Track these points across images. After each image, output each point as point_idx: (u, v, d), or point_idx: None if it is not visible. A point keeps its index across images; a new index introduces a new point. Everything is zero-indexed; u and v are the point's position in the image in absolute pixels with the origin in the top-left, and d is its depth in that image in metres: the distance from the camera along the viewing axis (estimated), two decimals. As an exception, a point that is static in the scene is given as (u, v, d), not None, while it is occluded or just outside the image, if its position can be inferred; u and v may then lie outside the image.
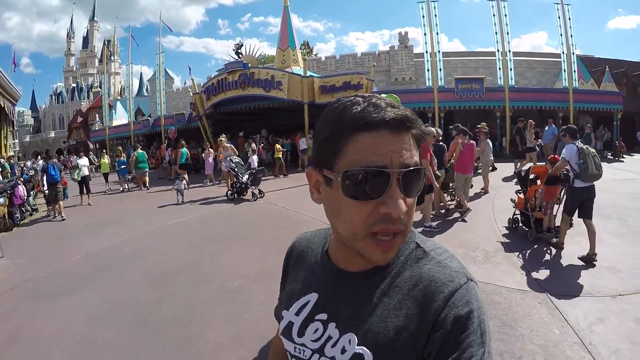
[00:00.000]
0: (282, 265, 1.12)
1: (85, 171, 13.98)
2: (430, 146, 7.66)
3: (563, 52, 23.03)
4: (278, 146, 16.92)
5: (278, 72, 19.48)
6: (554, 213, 6.77)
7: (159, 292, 5.53)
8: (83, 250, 7.73)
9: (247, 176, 11.82)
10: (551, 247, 6.28)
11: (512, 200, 7.46)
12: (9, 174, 15.16)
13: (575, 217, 6.04)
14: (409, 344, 0.77)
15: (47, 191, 12.21)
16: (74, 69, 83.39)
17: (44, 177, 12.43)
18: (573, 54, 22.82)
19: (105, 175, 16.84)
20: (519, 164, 13.03)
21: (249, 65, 19.95)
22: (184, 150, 16.97)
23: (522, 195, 7.18)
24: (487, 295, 4.73)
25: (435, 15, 21.83)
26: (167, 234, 8.57)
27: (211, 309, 4.89)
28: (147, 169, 16.24)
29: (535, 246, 6.43)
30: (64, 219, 10.88)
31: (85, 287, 5.89)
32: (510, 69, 21.43)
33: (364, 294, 0.86)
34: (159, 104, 29.32)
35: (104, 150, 17.43)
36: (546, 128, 16.23)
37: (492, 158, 10.91)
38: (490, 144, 11.08)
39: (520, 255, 6.08)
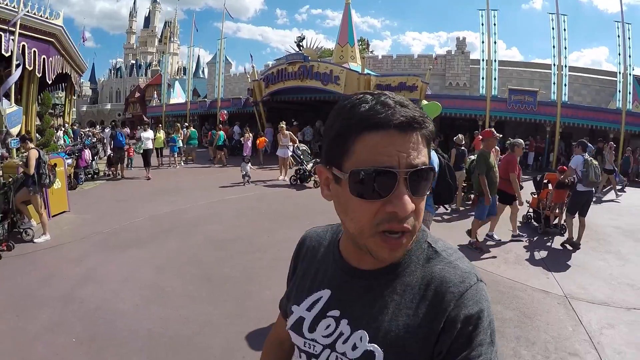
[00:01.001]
0: (292, 258, 1.15)
1: (149, 144, 14.75)
2: (453, 149, 8.97)
3: (619, 72, 23.06)
4: None
5: (336, 67, 20.10)
6: (561, 213, 8.17)
7: (220, 254, 6.11)
8: (146, 212, 8.54)
9: (311, 164, 12.24)
10: (572, 253, 7.07)
11: (526, 201, 8.61)
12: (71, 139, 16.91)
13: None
14: (420, 342, 0.79)
15: (112, 154, 13.93)
16: (134, 46, 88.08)
17: (112, 143, 14.14)
18: (630, 74, 22.84)
19: (159, 150, 17.15)
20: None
21: (309, 57, 20.74)
22: (222, 133, 18.19)
23: (536, 197, 8.65)
24: (513, 291, 5.33)
25: (495, 24, 22.23)
26: (226, 207, 9.28)
27: (268, 272, 5.44)
28: (196, 146, 17.91)
29: (562, 252, 7.16)
30: (123, 178, 12.72)
31: (151, 244, 6.53)
32: (565, 85, 21.64)
33: (375, 292, 0.87)
34: (217, 86, 30.89)
35: (159, 125, 18.50)
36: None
37: None
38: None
39: (547, 261, 6.67)
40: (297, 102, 23.22)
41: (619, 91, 22.64)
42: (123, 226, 7.60)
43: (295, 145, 13.16)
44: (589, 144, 7.90)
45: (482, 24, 22.41)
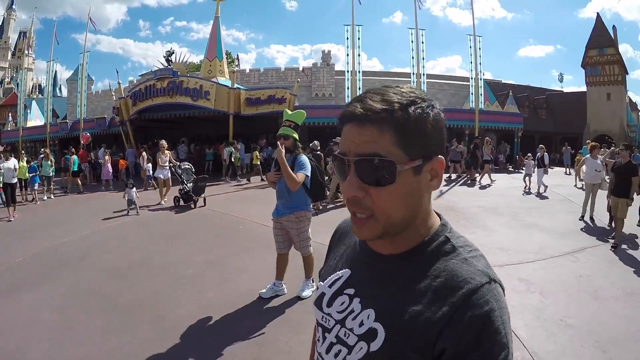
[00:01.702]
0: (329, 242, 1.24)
1: (10, 177, 11.95)
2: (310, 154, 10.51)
3: (472, 77, 26.36)
4: (256, 153, 18.22)
5: (206, 82, 20.15)
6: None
7: (120, 282, 5.92)
8: (27, 251, 7.67)
9: (191, 184, 11.80)
10: None
11: None
12: None
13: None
14: (421, 330, 0.81)
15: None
16: (-19, 61, 78.69)
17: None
18: (481, 79, 26.28)
19: (22, 181, 14.49)
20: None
21: (178, 73, 20.47)
22: (75, 157, 16.67)
23: None
24: None
25: (359, 39, 24.15)
26: (111, 235, 8.80)
27: (174, 292, 5.49)
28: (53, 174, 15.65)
29: None
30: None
31: (43, 284, 6.03)
32: (424, 91, 23.75)
33: (389, 276, 0.91)
34: (79, 106, 28.70)
35: (22, 152, 16.21)
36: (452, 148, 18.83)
37: None
38: None
39: None
40: (166, 120, 22.65)
41: (472, 93, 26.04)
42: (1, 270, 6.82)
43: (178, 164, 12.78)
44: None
45: (347, 38, 24.21)
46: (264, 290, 5.17)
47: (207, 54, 23.39)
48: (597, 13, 42.20)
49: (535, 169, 14.44)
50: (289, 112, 4.99)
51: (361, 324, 0.90)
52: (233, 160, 18.16)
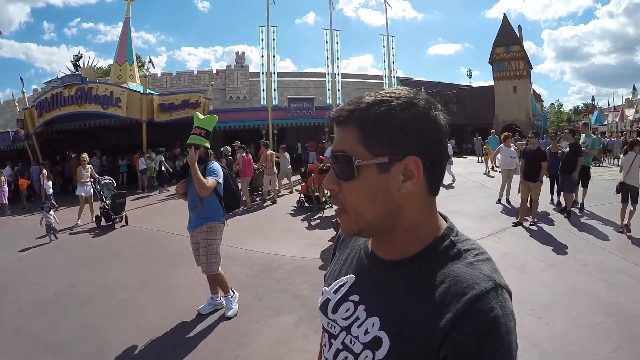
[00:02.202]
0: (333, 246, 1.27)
1: None
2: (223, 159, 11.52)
3: (385, 76, 27.72)
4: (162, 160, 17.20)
5: (117, 89, 19.20)
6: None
7: (48, 317, 5.37)
8: None
9: (109, 201, 10.50)
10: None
11: (295, 189, 11.83)
12: None
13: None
14: (425, 337, 0.81)
15: None
16: None
17: None
18: (394, 77, 27.78)
19: None
20: None
21: (87, 79, 19.27)
22: None
23: (304, 184, 11.50)
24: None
25: (274, 39, 24.42)
26: (27, 266, 7.95)
27: (109, 320, 5.02)
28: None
29: None
30: None
31: None
32: (338, 90, 25.29)
33: (394, 283, 0.92)
34: None
35: None
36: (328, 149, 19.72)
37: (289, 167, 14.23)
38: (287, 155, 14.30)
39: None
40: (75, 131, 21.53)
41: (385, 91, 26.74)
42: None
43: (98, 179, 11.38)
44: None
45: (262, 39, 24.39)
46: (202, 306, 4.98)
47: (116, 58, 22.53)
48: (504, 13, 45.99)
49: None
50: (200, 117, 4.73)
51: (366, 332, 0.90)
52: (164, 169, 17.06)
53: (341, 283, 1.04)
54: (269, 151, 12.78)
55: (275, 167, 12.84)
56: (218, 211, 4.71)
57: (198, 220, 4.64)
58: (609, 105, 58.79)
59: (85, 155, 11.75)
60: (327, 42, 25.50)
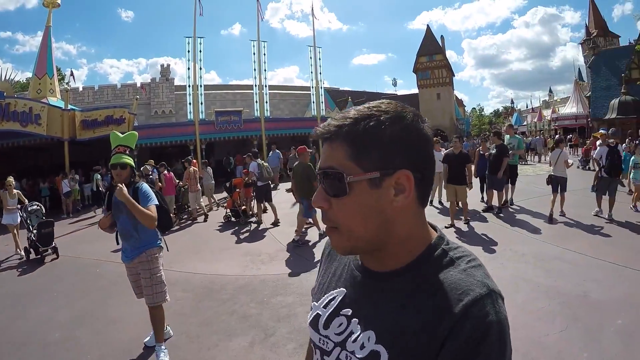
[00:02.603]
0: (321, 257, 1.25)
1: None
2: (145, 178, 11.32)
3: (312, 87, 28.70)
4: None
5: (37, 104, 18.10)
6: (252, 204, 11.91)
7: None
8: None
9: (35, 231, 9.31)
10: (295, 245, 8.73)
11: (221, 204, 12.75)
12: None
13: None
14: (423, 348, 0.81)
15: None
16: None
17: None
18: (321, 87, 28.69)
19: None
20: None
21: (5, 93, 17.89)
22: None
23: (230, 199, 11.97)
24: (282, 282, 6.44)
25: (200, 51, 24.10)
26: None
27: None
28: None
29: (311, 240, 9.03)
30: None
31: None
32: (266, 102, 25.75)
33: (386, 294, 0.92)
34: None
35: None
36: (270, 154, 20.46)
37: (212, 182, 14.49)
38: (210, 171, 14.61)
39: (298, 250, 8.33)
40: None
41: (313, 102, 28.16)
42: None
43: (25, 205, 10.21)
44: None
45: (189, 51, 23.86)
46: (148, 339, 4.62)
47: (36, 71, 20.96)
48: (427, 25, 48.21)
49: None
50: (120, 136, 4.37)
51: (362, 347, 0.89)
52: (100, 188, 16.01)
53: (331, 297, 1.04)
54: (192, 167, 13.00)
55: (198, 184, 12.97)
56: (154, 236, 4.37)
57: (134, 250, 4.25)
58: (527, 107, 63.10)
59: (10, 179, 10.41)
60: (254, 53, 25.63)
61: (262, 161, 11.66)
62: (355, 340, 0.91)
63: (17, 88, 27.18)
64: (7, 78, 20.27)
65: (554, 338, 4.17)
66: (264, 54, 26.00)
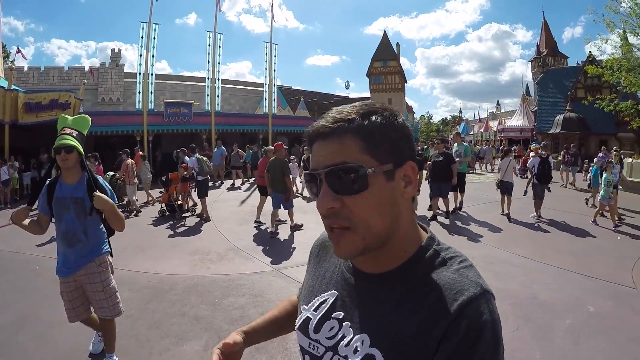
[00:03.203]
0: (308, 258, 1.24)
1: None
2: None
3: (266, 84, 28.93)
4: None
5: None
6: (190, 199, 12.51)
7: None
8: None
9: None
10: (271, 237, 9.14)
11: (158, 200, 12.79)
12: None
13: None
14: (420, 349, 0.81)
15: None
16: None
17: None
18: (274, 85, 28.93)
19: None
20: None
21: None
22: None
23: (166, 193, 11.95)
24: (233, 282, 6.28)
25: (154, 38, 23.31)
26: None
27: None
28: None
29: (261, 239, 9.04)
30: None
31: None
32: (218, 96, 25.65)
33: (379, 296, 0.91)
34: None
35: None
36: (215, 149, 19.99)
37: (149, 176, 14.62)
38: (148, 164, 14.97)
39: (247, 249, 8.25)
40: None
41: (265, 99, 28.34)
42: None
43: None
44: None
45: (142, 37, 22.96)
46: (92, 347, 4.22)
47: None
48: (384, 31, 48.93)
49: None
50: (68, 118, 3.72)
51: (356, 351, 0.88)
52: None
53: (322, 300, 1.03)
54: (129, 160, 12.92)
55: (135, 177, 12.93)
56: (103, 239, 3.72)
57: (81, 259, 3.54)
58: (474, 117, 65.31)
59: None
60: (209, 45, 25.22)
61: (201, 156, 11.89)
62: (348, 344, 0.91)
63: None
64: None
65: (507, 337, 4.56)
66: (219, 47, 25.62)
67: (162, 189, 12.70)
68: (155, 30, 23.32)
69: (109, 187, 3.70)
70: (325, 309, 1.00)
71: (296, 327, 1.06)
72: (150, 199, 14.18)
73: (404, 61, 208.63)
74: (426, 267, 0.91)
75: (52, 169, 3.81)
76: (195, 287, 6.13)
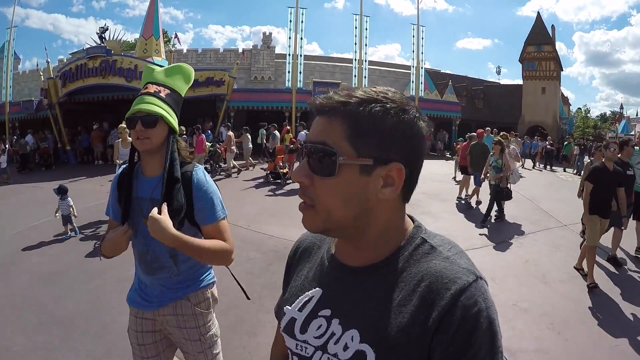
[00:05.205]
0: (286, 262, 1.16)
1: None
2: None
3: (413, 66, 27.58)
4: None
5: (142, 62, 18.61)
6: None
7: (56, 289, 5.33)
8: None
9: None
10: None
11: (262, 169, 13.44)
12: None
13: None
14: (413, 342, 0.79)
15: None
16: None
17: None
18: (422, 68, 27.48)
19: None
20: None
21: (112, 51, 19.23)
22: None
23: (272, 162, 13.36)
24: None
25: (302, 22, 24.18)
26: (42, 234, 7.71)
27: (115, 297, 4.73)
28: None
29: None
30: None
31: None
32: (365, 77, 25.07)
33: (367, 290, 0.87)
34: (4, 87, 26.14)
35: None
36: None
37: (250, 146, 16.24)
38: (249, 136, 16.31)
39: None
40: (97, 103, 21.32)
41: (413, 82, 27.08)
42: None
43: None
44: None
45: (291, 21, 24.06)
46: None
47: (143, 32, 21.87)
48: (538, 12, 44.86)
49: None
50: (156, 69, 2.22)
51: (346, 348, 0.85)
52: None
53: (306, 299, 0.97)
54: (230, 132, 15.18)
55: (234, 146, 14.92)
56: (205, 268, 2.32)
57: (167, 292, 2.19)
58: (637, 115, 57.82)
59: (123, 125, 8.26)
60: (356, 27, 25.14)
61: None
62: (337, 342, 0.87)
63: (125, 47, 27.85)
64: (115, 38, 21.33)
65: None
66: (366, 29, 25.39)
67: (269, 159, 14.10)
68: (302, 14, 24.24)
69: (214, 184, 2.18)
70: (311, 307, 0.94)
71: (281, 330, 1.01)
72: (249, 163, 16.05)
73: (560, 46, 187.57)
74: (414, 255, 0.87)
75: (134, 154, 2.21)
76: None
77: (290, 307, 1.00)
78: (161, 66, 2.39)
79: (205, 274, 2.31)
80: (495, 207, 8.92)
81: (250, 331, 4.23)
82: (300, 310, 0.96)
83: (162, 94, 2.09)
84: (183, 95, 2.22)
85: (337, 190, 0.83)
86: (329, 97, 0.85)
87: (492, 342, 0.77)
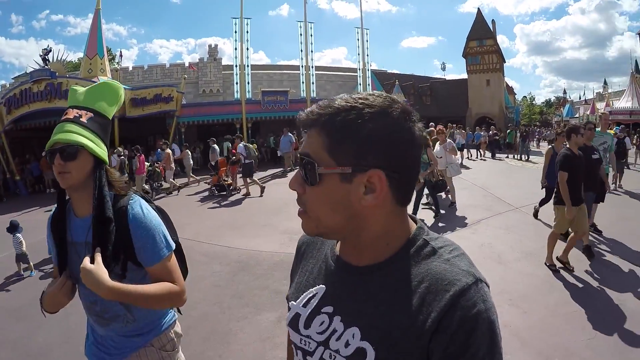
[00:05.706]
0: (294, 256, 1.21)
1: None
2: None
3: (359, 68, 28.26)
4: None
5: (88, 83, 17.06)
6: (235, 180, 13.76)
7: (25, 323, 4.93)
8: None
9: None
10: None
11: (206, 182, 14.29)
12: None
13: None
14: (412, 341, 0.80)
15: None
16: None
17: None
18: (368, 70, 28.34)
19: None
20: None
21: (57, 73, 18.38)
22: None
23: (215, 175, 13.55)
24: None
25: (247, 32, 24.34)
26: None
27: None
28: None
29: None
30: None
31: None
32: (313, 83, 25.50)
33: (369, 289, 0.89)
34: None
35: None
36: (282, 137, 19.11)
37: (191, 163, 16.40)
38: (190, 153, 16.60)
39: None
40: (45, 128, 19.28)
41: (360, 84, 27.87)
42: None
43: None
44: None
45: (236, 32, 24.23)
46: None
47: (86, 51, 21.14)
48: (478, 8, 46.35)
49: None
50: (79, 91, 1.88)
51: (347, 344, 0.87)
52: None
53: (310, 295, 1.00)
54: (168, 150, 15.60)
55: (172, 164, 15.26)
56: (166, 310, 2.06)
57: (126, 341, 1.93)
58: (580, 98, 60.28)
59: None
60: (301, 34, 25.52)
61: (247, 144, 13.94)
62: (339, 338, 0.89)
63: (69, 68, 27.14)
64: (59, 59, 20.47)
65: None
66: (311, 35, 25.80)
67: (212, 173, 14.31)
68: (247, 24, 24.29)
69: (156, 215, 1.91)
70: (315, 303, 0.97)
71: (287, 324, 1.04)
72: (192, 179, 16.06)
73: (502, 39, 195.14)
74: (416, 257, 0.89)
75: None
76: (280, 264, 6.35)
77: (295, 303, 1.03)
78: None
79: (165, 316, 2.06)
80: (430, 200, 9.23)
81: (223, 340, 4.31)
82: (304, 306, 0.99)
83: (84, 119, 1.78)
84: (110, 118, 1.92)
85: (322, 198, 0.87)
86: (310, 111, 0.89)
87: (492, 343, 0.79)
